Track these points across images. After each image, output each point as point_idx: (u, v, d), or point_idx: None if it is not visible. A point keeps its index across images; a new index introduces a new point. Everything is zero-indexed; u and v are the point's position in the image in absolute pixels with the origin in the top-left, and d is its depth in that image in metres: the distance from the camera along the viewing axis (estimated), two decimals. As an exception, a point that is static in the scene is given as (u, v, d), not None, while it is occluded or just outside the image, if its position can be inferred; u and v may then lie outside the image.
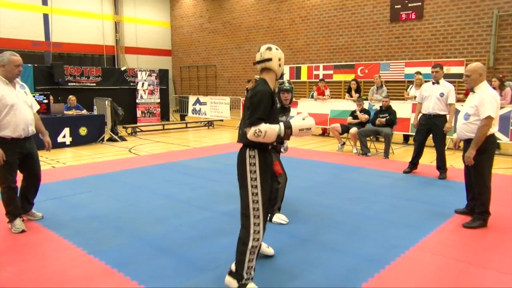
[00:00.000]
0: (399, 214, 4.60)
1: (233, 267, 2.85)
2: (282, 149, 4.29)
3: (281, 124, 2.65)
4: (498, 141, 8.30)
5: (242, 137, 2.78)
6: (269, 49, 2.82)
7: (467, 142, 4.20)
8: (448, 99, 6.19)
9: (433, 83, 6.35)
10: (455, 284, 3.00)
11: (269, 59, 2.79)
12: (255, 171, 2.72)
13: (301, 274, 3.15)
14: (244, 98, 13.73)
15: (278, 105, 4.22)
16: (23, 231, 4.02)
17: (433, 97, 6.24)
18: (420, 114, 6.54)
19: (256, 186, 2.71)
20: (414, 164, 6.70)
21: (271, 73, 2.83)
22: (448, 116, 6.28)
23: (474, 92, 4.21)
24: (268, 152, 2.82)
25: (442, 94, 6.20)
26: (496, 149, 8.42)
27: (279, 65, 2.82)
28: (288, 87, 4.26)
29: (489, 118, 3.98)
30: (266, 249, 3.46)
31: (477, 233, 4.03)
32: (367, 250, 3.59)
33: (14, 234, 4.00)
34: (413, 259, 3.43)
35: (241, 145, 2.82)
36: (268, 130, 2.58)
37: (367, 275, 3.11)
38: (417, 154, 6.64)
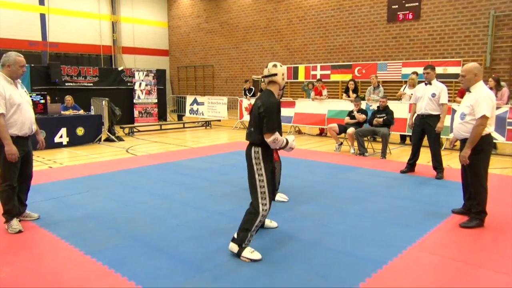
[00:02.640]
0: (396, 214, 4.61)
1: (235, 235, 3.47)
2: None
3: (285, 138, 3.49)
4: (494, 141, 8.34)
5: (249, 136, 3.52)
6: (275, 66, 3.54)
7: (464, 141, 4.22)
8: (440, 99, 6.24)
9: (426, 84, 6.42)
10: (452, 284, 3.01)
11: (275, 74, 3.51)
12: (259, 163, 3.43)
13: (298, 273, 3.15)
14: (241, 99, 13.75)
15: None
16: (19, 231, 4.01)
17: (425, 97, 6.33)
18: (415, 115, 6.60)
19: (261, 174, 3.42)
20: (411, 165, 6.72)
21: (276, 85, 3.55)
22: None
23: (470, 92, 4.24)
24: (269, 148, 3.47)
25: (433, 95, 6.26)
26: (493, 149, 8.46)
27: (283, 78, 3.56)
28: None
29: (484, 118, 3.99)
30: (270, 223, 4.16)
31: (474, 233, 4.04)
32: (364, 250, 3.60)
33: (10, 234, 3.98)
34: (410, 258, 3.43)
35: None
36: (279, 140, 3.39)
37: (365, 274, 3.12)
38: (414, 155, 6.67)
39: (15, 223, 4.06)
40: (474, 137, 4.05)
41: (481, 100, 4.03)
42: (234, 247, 3.44)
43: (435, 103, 6.27)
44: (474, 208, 4.22)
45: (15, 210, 4.12)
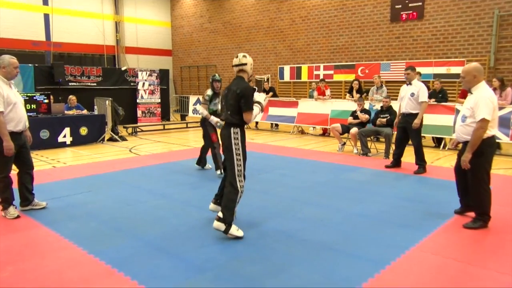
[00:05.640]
0: (399, 214, 4.59)
1: (220, 214, 3.79)
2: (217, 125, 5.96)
3: (257, 105, 3.94)
4: (498, 141, 8.29)
5: (227, 119, 3.86)
6: (245, 56, 3.96)
7: (466, 144, 4.13)
8: (419, 98, 6.53)
9: (407, 84, 6.78)
10: (455, 284, 3.00)
11: (245, 64, 3.93)
12: (238, 144, 3.81)
13: (300, 274, 3.15)
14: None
15: (211, 92, 6.41)
16: (18, 216, 4.30)
17: (406, 97, 6.69)
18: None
19: (239, 154, 3.81)
20: (396, 160, 7.02)
21: (245, 73, 3.97)
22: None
23: (471, 93, 4.14)
24: (244, 129, 3.91)
25: (412, 94, 6.58)
26: (497, 149, 8.41)
27: (251, 68, 4.00)
28: (219, 78, 6.45)
29: (484, 121, 3.90)
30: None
31: (477, 233, 4.03)
32: (367, 250, 3.59)
33: (13, 233, 4.01)
34: (413, 259, 3.42)
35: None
36: (256, 112, 3.89)
37: (367, 275, 3.11)
38: (396, 150, 6.96)
39: (12, 209, 4.35)
40: (474, 141, 3.98)
41: (481, 102, 3.93)
42: (220, 226, 3.77)
43: (415, 102, 6.57)
44: (477, 210, 4.19)
45: (12, 198, 4.43)
